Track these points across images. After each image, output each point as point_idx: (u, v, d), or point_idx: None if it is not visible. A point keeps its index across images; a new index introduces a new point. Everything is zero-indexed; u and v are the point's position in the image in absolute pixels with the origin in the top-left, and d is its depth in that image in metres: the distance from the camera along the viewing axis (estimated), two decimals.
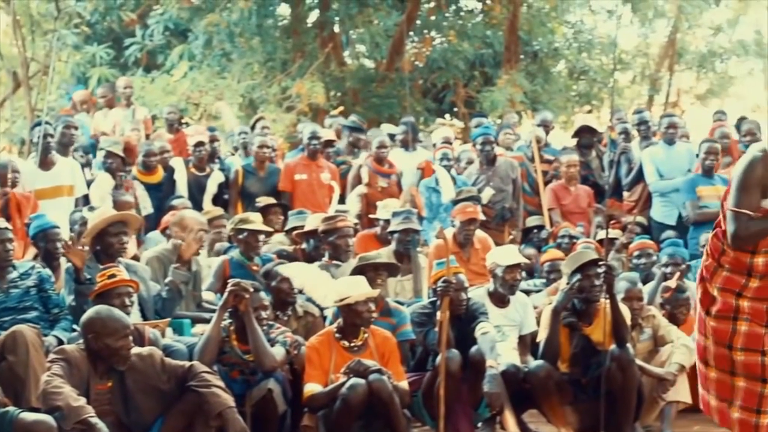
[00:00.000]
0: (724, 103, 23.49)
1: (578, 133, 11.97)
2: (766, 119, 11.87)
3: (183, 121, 14.18)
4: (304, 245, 8.98)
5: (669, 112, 14.37)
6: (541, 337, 7.35)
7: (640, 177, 11.04)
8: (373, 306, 6.93)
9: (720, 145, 10.61)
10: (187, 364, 6.00)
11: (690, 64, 23.22)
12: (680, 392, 7.42)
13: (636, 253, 9.23)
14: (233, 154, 12.17)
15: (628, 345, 7.18)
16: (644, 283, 8.75)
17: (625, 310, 7.32)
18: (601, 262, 7.23)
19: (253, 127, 12.58)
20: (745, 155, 4.62)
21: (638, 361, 7.28)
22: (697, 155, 10.52)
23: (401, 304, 7.92)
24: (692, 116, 21.72)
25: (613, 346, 7.07)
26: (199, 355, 6.56)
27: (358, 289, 6.92)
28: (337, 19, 18.42)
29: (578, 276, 7.25)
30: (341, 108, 16.41)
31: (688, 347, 7.50)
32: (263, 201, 10.05)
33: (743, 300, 4.60)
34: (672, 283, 8.30)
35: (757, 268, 4.56)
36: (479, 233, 9.34)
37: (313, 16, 19.24)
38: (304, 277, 7.65)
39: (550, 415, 7.29)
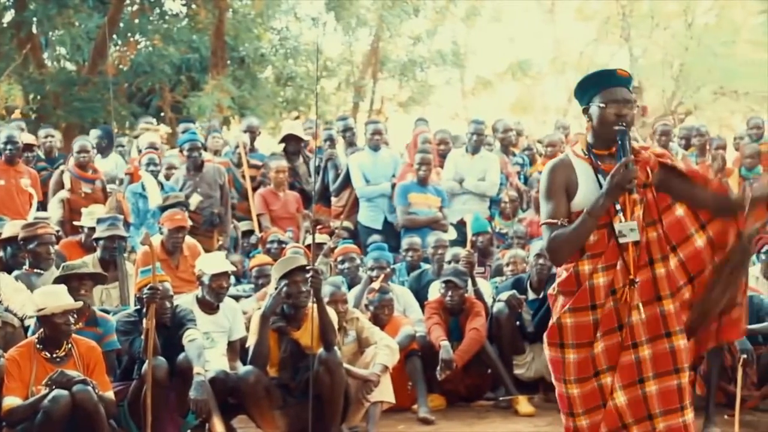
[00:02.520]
0: (425, 110, 24.31)
1: (285, 140, 12.09)
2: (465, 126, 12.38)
3: None
4: (1, 253, 8.59)
5: (373, 119, 14.76)
6: (251, 343, 7.35)
7: (347, 182, 11.27)
8: (72, 318, 6.70)
9: (432, 155, 11.05)
10: None
11: (392, 72, 23.88)
12: (384, 392, 7.60)
13: (340, 257, 9.40)
14: None
15: (336, 348, 7.30)
16: (351, 287, 8.94)
17: (332, 314, 7.44)
18: (308, 267, 7.31)
19: None
20: (545, 166, 4.51)
21: (344, 364, 7.40)
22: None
23: (107, 312, 7.73)
24: (395, 123, 22.35)
25: (320, 350, 7.17)
26: None
27: (58, 299, 6.68)
28: (35, 19, 17.72)
29: (286, 281, 7.30)
30: (18, 111, 15.77)
31: (390, 347, 7.72)
32: None
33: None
34: (376, 285, 8.52)
35: (584, 277, 4.36)
36: (188, 239, 9.26)
37: (9, 17, 18.44)
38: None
39: (259, 419, 7.31)
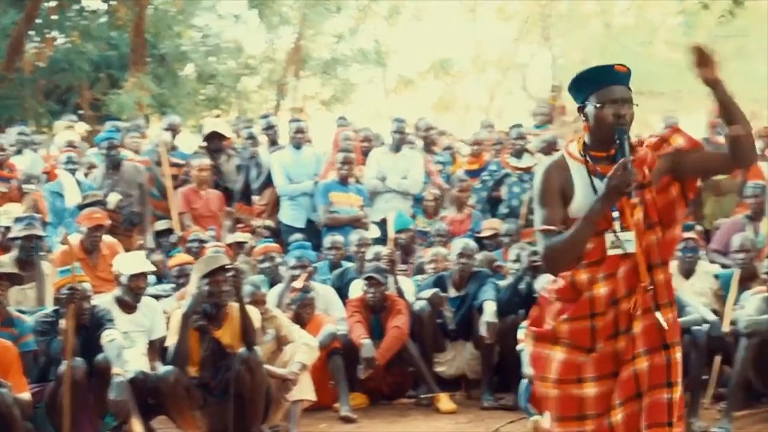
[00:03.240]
0: (347, 108, 24.32)
1: (208, 138, 12.02)
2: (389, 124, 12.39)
3: None
4: None
5: (296, 117, 14.69)
6: (171, 342, 7.29)
7: (269, 181, 11.22)
8: None
9: (355, 153, 11.05)
10: None
11: (315, 70, 23.86)
12: (304, 391, 7.59)
13: (261, 257, 9.36)
14: None
15: (257, 347, 7.27)
16: (272, 286, 8.91)
17: (254, 313, 7.41)
18: (229, 266, 7.27)
19: None
20: (537, 169, 4.21)
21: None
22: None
23: (24, 313, 7.61)
24: (317, 121, 22.31)
25: (242, 349, 7.14)
26: None
27: None
28: None
29: (208, 280, 7.25)
30: None
31: (309, 345, 7.71)
32: None
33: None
34: (298, 283, 8.49)
35: (582, 286, 4.04)
36: (107, 239, 9.15)
37: None
38: None
39: (179, 420, 7.24)
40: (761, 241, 9.26)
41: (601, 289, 4.01)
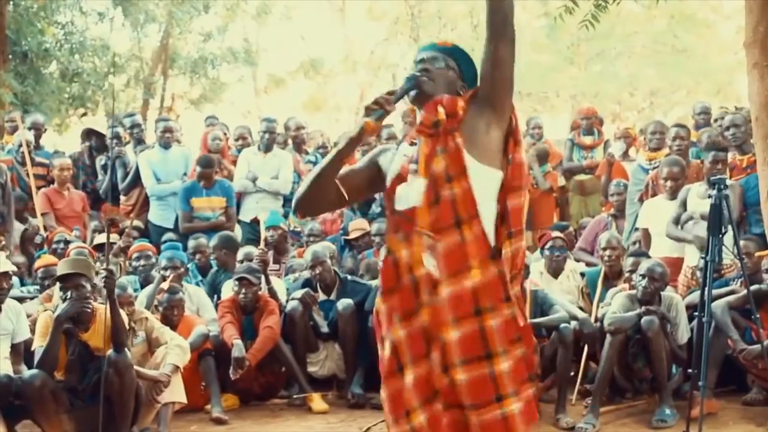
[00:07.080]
0: (217, 108, 24.12)
1: (87, 137, 11.81)
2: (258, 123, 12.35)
3: None
4: None
5: (164, 116, 14.53)
6: (39, 345, 7.12)
7: (137, 180, 11.06)
8: None
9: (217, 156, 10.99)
10: None
11: (183, 69, 23.58)
12: (175, 393, 7.51)
13: (136, 254, 9.24)
14: None
15: (126, 349, 7.15)
16: (144, 286, 8.79)
17: (123, 315, 7.29)
18: (103, 268, 7.12)
19: None
20: None
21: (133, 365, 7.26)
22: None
23: None
24: (187, 120, 22.09)
25: (110, 351, 7.01)
26: None
27: None
28: None
29: (61, 285, 7.10)
30: None
31: (181, 347, 7.63)
32: None
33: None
34: (165, 284, 8.40)
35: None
36: None
37: None
38: None
39: (45, 424, 7.08)
40: (625, 239, 9.50)
41: (403, 251, 3.65)
